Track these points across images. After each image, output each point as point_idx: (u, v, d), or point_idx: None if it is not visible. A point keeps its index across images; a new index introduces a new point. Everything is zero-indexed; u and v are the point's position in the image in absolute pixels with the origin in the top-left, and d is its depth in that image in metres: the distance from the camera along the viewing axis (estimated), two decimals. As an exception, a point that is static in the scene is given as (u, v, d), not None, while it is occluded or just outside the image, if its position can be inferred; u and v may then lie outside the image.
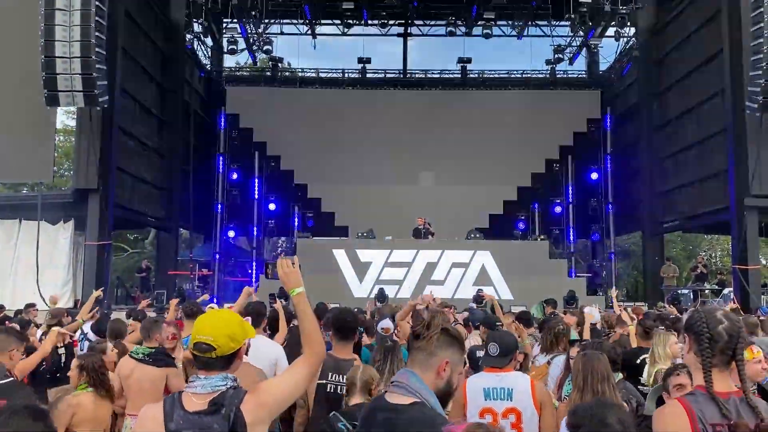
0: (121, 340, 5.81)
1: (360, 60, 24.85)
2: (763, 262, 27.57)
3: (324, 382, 3.84)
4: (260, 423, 2.27)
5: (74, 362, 4.40)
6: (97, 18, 14.01)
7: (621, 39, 22.04)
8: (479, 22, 22.68)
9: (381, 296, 14.82)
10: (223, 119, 23.54)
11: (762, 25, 14.07)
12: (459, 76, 25.25)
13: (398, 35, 25.77)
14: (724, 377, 2.29)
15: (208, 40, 24.83)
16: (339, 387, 3.79)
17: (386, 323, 4.70)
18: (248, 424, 2.21)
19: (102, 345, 4.85)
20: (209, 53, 25.52)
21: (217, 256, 22.69)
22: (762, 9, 14.07)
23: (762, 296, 16.09)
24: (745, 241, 16.17)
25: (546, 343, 4.99)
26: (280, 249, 26.60)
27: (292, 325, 6.09)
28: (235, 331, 2.36)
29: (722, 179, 17.39)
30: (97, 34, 14.00)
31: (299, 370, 2.43)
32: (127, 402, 4.90)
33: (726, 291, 17.24)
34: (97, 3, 14.04)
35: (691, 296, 17.73)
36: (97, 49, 14.01)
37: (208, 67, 25.37)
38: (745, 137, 16.07)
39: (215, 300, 17.80)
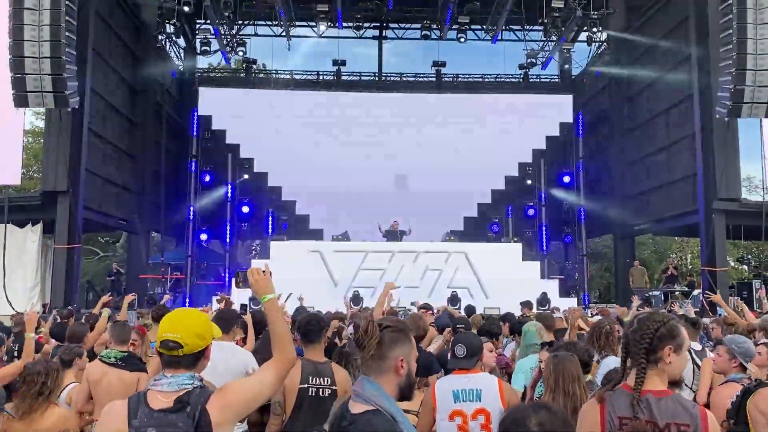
0: (81, 345, 5.67)
1: (335, 62, 24.80)
2: (731, 264, 28.15)
3: (306, 386, 3.83)
4: (226, 423, 2.25)
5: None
6: (67, 18, 13.76)
7: (593, 44, 22.36)
8: (453, 26, 22.85)
9: (356, 299, 14.79)
10: (195, 121, 23.31)
11: (730, 31, 14.36)
12: (434, 79, 25.36)
13: (373, 38, 25.81)
14: (654, 377, 2.43)
15: (181, 41, 24.55)
16: (321, 390, 3.80)
17: (351, 330, 4.73)
18: (213, 424, 2.19)
19: (78, 350, 4.73)
20: (182, 54, 25.24)
21: (190, 260, 22.45)
22: (731, 16, 14.37)
23: (730, 297, 16.40)
24: (713, 243, 16.49)
25: (597, 343, 4.91)
26: (253, 252, 26.39)
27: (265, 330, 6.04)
28: (203, 329, 2.36)
29: (691, 183, 17.73)
30: (67, 34, 13.75)
31: (268, 373, 2.42)
32: (95, 407, 4.80)
33: (695, 292, 17.55)
34: (67, 2, 13.78)
35: (662, 298, 18.00)
36: (67, 50, 13.76)
37: (181, 68, 25.10)
38: (713, 142, 16.41)
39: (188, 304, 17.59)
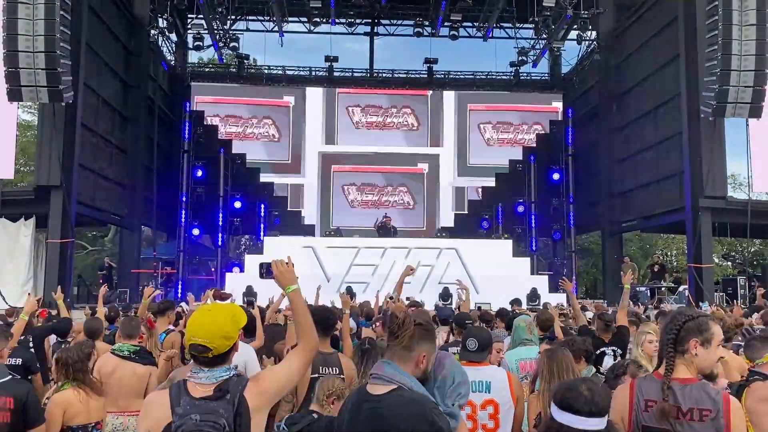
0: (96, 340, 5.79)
1: (327, 58, 24.85)
2: (716, 260, 28.58)
3: (317, 375, 3.98)
4: (261, 409, 2.39)
5: (54, 357, 4.43)
6: (61, 12, 13.77)
7: (583, 43, 22.60)
8: (445, 24, 23.00)
9: (348, 294, 14.91)
10: (187, 115, 23.29)
11: (716, 32, 14.62)
12: (425, 76, 25.49)
13: (365, 34, 25.90)
14: (682, 366, 2.67)
15: (173, 36, 24.52)
16: None
17: (351, 324, 4.90)
18: (251, 409, 2.33)
19: (90, 341, 4.85)
20: (174, 49, 25.21)
21: (181, 255, 22.47)
22: (716, 17, 14.63)
23: (715, 293, 16.74)
24: (699, 240, 16.80)
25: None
26: (243, 247, 26.43)
27: (267, 323, 6.20)
28: (228, 329, 2.43)
29: (678, 181, 18.01)
30: (61, 28, 13.76)
31: (296, 360, 2.56)
32: (106, 400, 4.91)
33: (681, 288, 17.88)
34: (61, -3, 13.81)
35: (648, 294, 18.31)
36: (61, 44, 13.77)
37: (173, 62, 25.06)
38: (700, 140, 16.69)
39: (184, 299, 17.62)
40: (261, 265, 3.02)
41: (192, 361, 2.48)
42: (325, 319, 4.22)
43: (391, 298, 6.77)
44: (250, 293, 15.91)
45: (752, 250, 34.58)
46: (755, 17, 14.22)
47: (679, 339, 2.69)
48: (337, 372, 4.07)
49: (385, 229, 18.83)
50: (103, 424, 4.84)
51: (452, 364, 2.72)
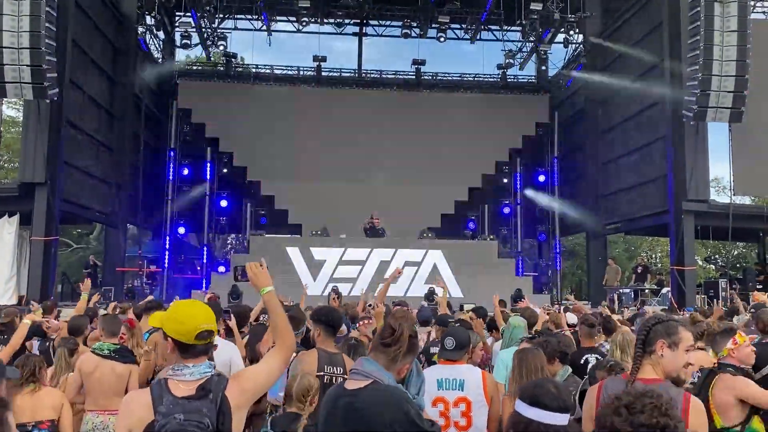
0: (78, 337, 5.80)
1: (315, 58, 24.85)
2: (699, 263, 28.90)
3: (322, 374, 4.06)
4: (242, 407, 2.44)
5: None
6: (47, 8, 13.70)
7: (569, 46, 22.78)
8: (434, 25, 23.10)
9: (336, 294, 14.94)
10: (174, 114, 23.22)
11: (698, 38, 14.80)
12: (413, 77, 25.56)
13: (354, 34, 25.94)
14: (649, 367, 2.78)
15: (161, 34, 24.42)
16: (334, 378, 4.05)
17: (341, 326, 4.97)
18: (232, 408, 2.37)
19: (74, 340, 4.87)
20: (161, 46, 25.11)
21: (167, 253, 22.40)
22: (699, 23, 14.81)
23: (697, 295, 16.94)
24: (682, 243, 17.00)
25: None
26: (229, 246, 26.37)
27: (254, 323, 6.23)
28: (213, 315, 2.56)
29: (661, 184, 18.20)
30: (47, 25, 13.69)
31: (274, 359, 2.62)
32: (86, 398, 4.94)
33: (664, 290, 18.06)
34: (47, -7, 13.73)
35: (632, 296, 18.50)
36: (47, 41, 13.70)
37: (160, 60, 24.96)
38: (684, 144, 16.89)
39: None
40: (236, 268, 3.11)
41: (177, 358, 2.49)
42: (331, 319, 4.30)
43: (370, 305, 6.83)
44: (235, 292, 15.93)
45: (735, 253, 34.99)
46: (736, 23, 14.42)
47: (648, 340, 2.78)
48: (341, 372, 4.13)
49: (373, 230, 18.88)
50: (83, 422, 4.88)
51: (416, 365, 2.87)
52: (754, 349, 4.00)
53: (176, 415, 2.27)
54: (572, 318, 7.21)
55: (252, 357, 5.38)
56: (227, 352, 4.99)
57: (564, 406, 2.23)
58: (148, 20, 22.29)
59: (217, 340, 5.02)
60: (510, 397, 3.73)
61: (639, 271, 20.26)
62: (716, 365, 3.92)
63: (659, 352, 2.74)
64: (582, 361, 5.36)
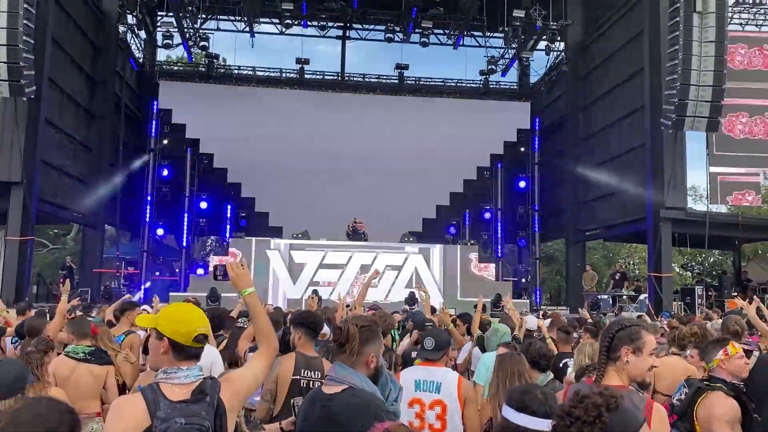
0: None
1: (298, 60, 24.79)
2: (676, 270, 29.28)
3: (298, 377, 3.98)
4: (235, 409, 2.44)
5: None
6: (25, 5, 13.50)
7: (551, 53, 22.99)
8: (417, 30, 23.17)
9: (315, 297, 14.89)
10: (155, 113, 23.01)
11: (677, 47, 14.99)
12: (396, 81, 25.61)
13: (337, 38, 25.93)
14: (613, 373, 2.78)
15: (142, 33, 24.21)
16: (311, 382, 3.98)
17: (324, 329, 4.92)
18: (227, 410, 2.36)
19: (49, 342, 4.76)
20: (142, 46, 24.89)
21: (145, 255, 22.17)
22: (678, 32, 15.00)
23: (674, 302, 17.15)
24: (659, 250, 17.19)
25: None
26: (209, 248, 26.17)
27: (236, 325, 6.18)
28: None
29: (640, 192, 18.40)
30: (25, 22, 13.49)
31: (258, 363, 2.61)
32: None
33: (642, 297, 18.25)
34: (26, -10, 13.53)
35: (610, 302, 18.66)
36: (24, 38, 13.50)
37: (141, 60, 24.74)
38: (662, 152, 17.10)
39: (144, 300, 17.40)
40: (216, 267, 3.10)
41: (169, 360, 2.40)
42: (311, 323, 4.26)
43: (347, 305, 6.81)
44: (213, 295, 15.80)
45: (711, 260, 35.49)
46: (714, 34, 14.63)
47: (612, 347, 2.78)
48: (319, 376, 4.07)
49: (356, 234, 18.87)
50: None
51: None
52: (748, 361, 3.75)
53: (177, 419, 2.23)
54: (532, 322, 7.17)
55: (231, 360, 5.32)
56: (209, 356, 4.93)
57: (551, 412, 2.22)
58: (130, 19, 22.10)
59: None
60: (488, 401, 3.73)
61: (617, 277, 20.47)
62: (705, 378, 3.72)
63: (624, 359, 2.75)
64: (561, 365, 5.41)
